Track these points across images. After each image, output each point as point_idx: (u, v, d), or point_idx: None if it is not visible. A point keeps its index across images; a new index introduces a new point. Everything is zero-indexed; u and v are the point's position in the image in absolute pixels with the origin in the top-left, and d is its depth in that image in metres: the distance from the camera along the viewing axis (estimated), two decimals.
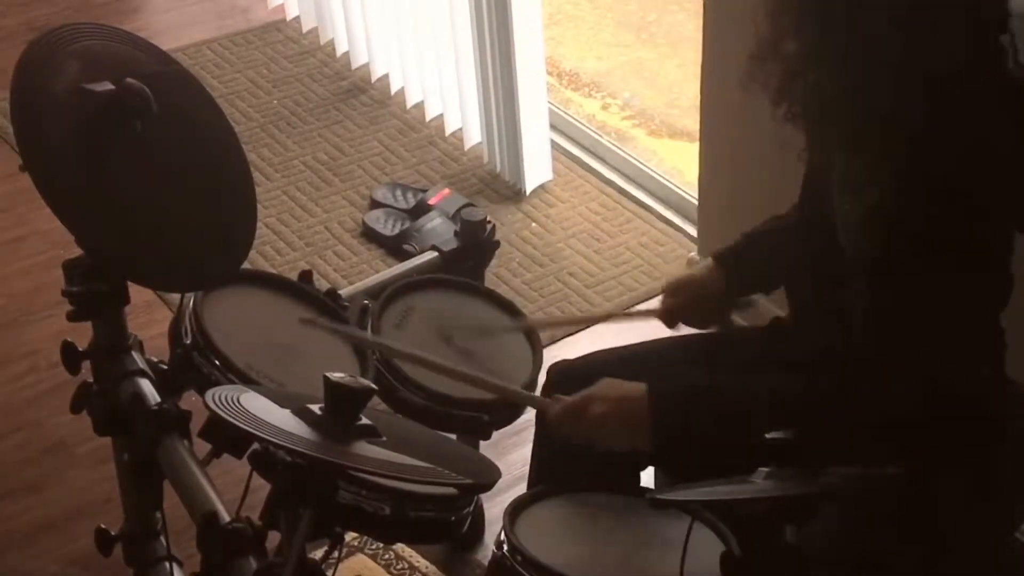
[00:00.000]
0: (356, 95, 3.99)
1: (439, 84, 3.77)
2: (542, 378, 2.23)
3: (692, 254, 3.30)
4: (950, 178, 1.68)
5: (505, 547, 1.80)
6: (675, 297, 2.16)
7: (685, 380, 1.95)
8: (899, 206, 1.69)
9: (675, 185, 3.54)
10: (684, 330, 2.22)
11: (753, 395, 1.84)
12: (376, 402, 1.95)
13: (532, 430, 2.19)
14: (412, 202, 3.51)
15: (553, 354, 2.99)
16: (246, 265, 2.12)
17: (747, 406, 1.84)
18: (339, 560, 1.76)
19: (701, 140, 3.16)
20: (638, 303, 3.26)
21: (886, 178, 1.70)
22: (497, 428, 2.22)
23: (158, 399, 2.01)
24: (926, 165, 1.68)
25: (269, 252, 3.39)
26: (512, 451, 2.71)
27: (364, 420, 1.67)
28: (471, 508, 1.92)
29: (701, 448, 1.88)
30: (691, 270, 2.21)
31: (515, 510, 1.87)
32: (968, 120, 1.68)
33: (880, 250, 1.73)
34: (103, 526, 2.18)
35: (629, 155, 3.71)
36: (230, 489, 1.89)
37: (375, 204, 3.54)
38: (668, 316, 2.18)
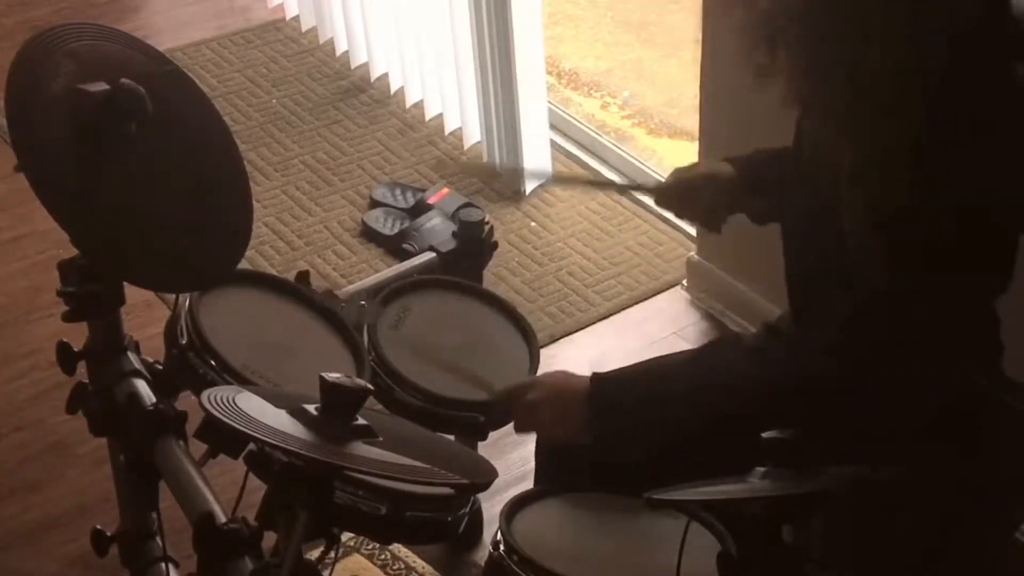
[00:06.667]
0: (355, 94, 3.99)
1: (438, 83, 3.77)
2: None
3: (691, 254, 3.30)
4: (957, 176, 1.67)
5: (501, 547, 1.80)
6: (677, 178, 2.16)
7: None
8: (904, 202, 1.69)
9: None
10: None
11: (702, 382, 1.85)
12: (373, 403, 1.95)
13: None
14: (411, 201, 3.51)
15: (551, 352, 3.03)
16: (244, 265, 2.11)
17: (693, 394, 1.85)
18: (335, 560, 1.75)
19: (701, 140, 3.16)
20: (637, 303, 3.26)
21: (891, 172, 1.69)
22: (493, 429, 2.21)
23: (154, 400, 2.01)
24: (934, 163, 1.67)
25: (268, 252, 3.39)
26: (511, 451, 2.71)
27: (360, 420, 1.67)
28: (468, 508, 1.92)
29: (643, 435, 1.88)
30: (702, 164, 2.20)
31: (512, 510, 1.87)
32: (976, 118, 1.67)
33: (883, 244, 1.72)
34: (99, 527, 2.18)
35: (629, 155, 3.71)
36: (226, 490, 1.89)
37: (374, 203, 3.54)
38: (663, 196, 2.18)
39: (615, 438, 1.89)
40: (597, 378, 1.91)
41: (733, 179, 2.10)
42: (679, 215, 2.26)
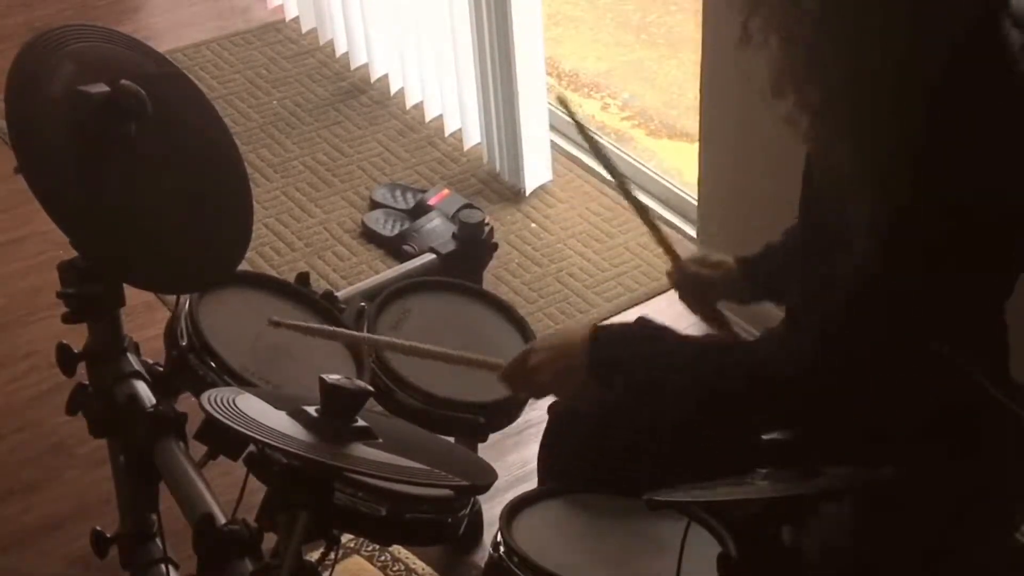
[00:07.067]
0: (355, 95, 3.98)
1: (439, 85, 3.77)
2: None
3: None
4: (957, 176, 1.67)
5: (501, 548, 1.80)
6: (699, 267, 2.16)
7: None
8: (904, 202, 1.68)
9: (674, 186, 3.54)
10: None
11: (696, 355, 1.86)
12: (373, 404, 1.95)
13: (531, 432, 2.19)
14: (412, 203, 3.51)
15: None
16: (244, 266, 2.11)
17: (685, 362, 1.86)
18: (335, 562, 1.76)
19: (701, 140, 3.16)
20: (638, 304, 3.26)
21: (891, 172, 1.69)
22: (493, 431, 2.21)
23: (154, 401, 2.01)
24: (934, 164, 1.67)
25: (268, 253, 3.39)
26: (511, 452, 2.71)
27: (360, 422, 1.67)
28: (468, 510, 1.92)
29: (638, 396, 1.90)
30: (722, 258, 2.20)
31: (512, 511, 1.87)
32: (976, 118, 1.67)
33: (883, 244, 1.72)
34: (99, 528, 2.18)
35: (628, 156, 3.70)
36: (226, 491, 1.89)
37: (375, 205, 3.54)
38: (678, 276, 2.17)
39: (614, 385, 1.91)
40: (597, 329, 1.92)
41: (738, 282, 2.12)
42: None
